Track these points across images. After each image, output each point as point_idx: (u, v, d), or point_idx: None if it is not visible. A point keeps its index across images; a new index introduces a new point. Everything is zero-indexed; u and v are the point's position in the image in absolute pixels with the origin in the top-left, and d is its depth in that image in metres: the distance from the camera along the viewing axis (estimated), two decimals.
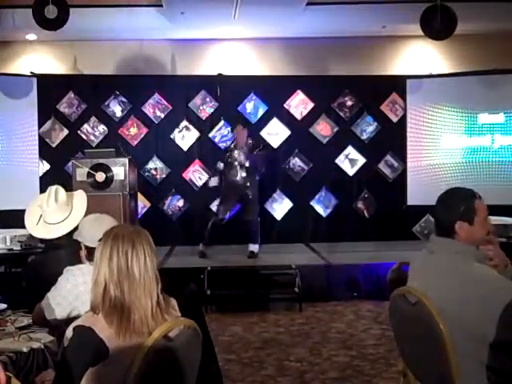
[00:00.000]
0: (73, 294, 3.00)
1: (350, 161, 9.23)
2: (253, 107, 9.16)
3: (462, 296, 2.30)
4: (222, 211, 7.84)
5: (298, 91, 9.19)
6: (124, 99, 9.08)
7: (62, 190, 3.71)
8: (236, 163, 7.70)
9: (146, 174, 9.04)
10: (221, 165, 7.81)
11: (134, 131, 9.08)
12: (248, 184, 7.71)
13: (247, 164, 7.66)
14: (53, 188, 3.70)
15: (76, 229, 3.34)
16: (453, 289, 2.34)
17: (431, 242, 2.53)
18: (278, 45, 9.38)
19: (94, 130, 9.03)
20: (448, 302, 2.32)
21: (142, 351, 2.11)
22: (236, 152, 7.74)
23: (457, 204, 2.45)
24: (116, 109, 9.07)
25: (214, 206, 9.06)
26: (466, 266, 2.38)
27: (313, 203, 9.18)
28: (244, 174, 7.69)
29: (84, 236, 3.14)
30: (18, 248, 6.47)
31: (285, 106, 9.19)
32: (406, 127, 9.02)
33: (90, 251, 3.03)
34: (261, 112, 9.17)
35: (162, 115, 9.12)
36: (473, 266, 2.39)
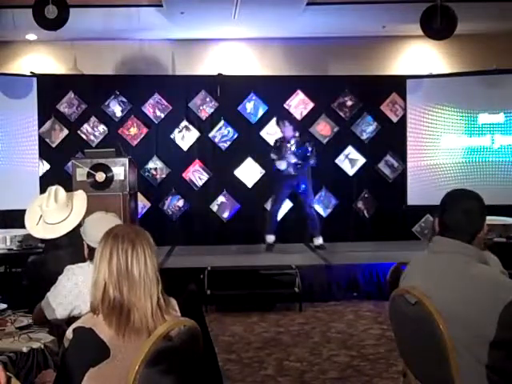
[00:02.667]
0: (74, 293, 3.00)
1: (350, 161, 9.23)
2: (253, 107, 9.16)
3: (464, 296, 2.30)
4: (274, 203, 8.10)
5: (298, 91, 9.19)
6: (124, 99, 9.07)
7: (61, 190, 3.71)
8: (287, 156, 7.84)
9: (146, 174, 9.04)
10: (274, 156, 7.97)
11: (133, 131, 9.08)
12: (299, 176, 7.89)
13: (294, 159, 7.83)
14: (53, 188, 3.70)
15: (80, 225, 3.33)
16: (456, 289, 2.34)
17: (434, 242, 2.53)
18: (278, 45, 9.38)
19: (94, 130, 9.03)
20: (451, 302, 2.32)
21: (143, 351, 2.11)
22: (285, 145, 7.88)
23: (482, 214, 2.47)
24: (116, 109, 9.07)
25: (214, 206, 9.08)
26: (469, 267, 2.38)
27: None
28: (295, 167, 7.85)
29: (87, 235, 3.14)
30: (18, 248, 6.46)
31: (285, 106, 9.19)
32: (406, 127, 9.03)
33: (92, 251, 3.03)
34: (261, 112, 9.16)
35: (162, 115, 9.12)
36: (476, 266, 2.39)
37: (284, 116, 8.38)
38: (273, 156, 8.02)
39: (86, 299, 2.47)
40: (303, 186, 7.96)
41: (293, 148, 7.86)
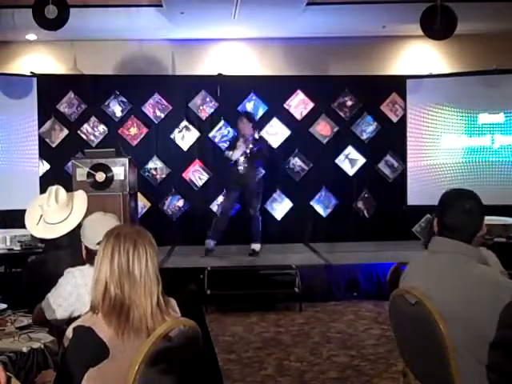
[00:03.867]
0: (73, 295, 2.99)
1: (350, 161, 9.23)
2: (253, 107, 9.15)
3: (464, 296, 2.31)
4: (224, 206, 7.97)
5: (298, 91, 9.18)
6: (124, 99, 9.07)
7: (62, 190, 3.71)
8: (237, 154, 7.75)
9: (146, 174, 9.04)
10: (229, 153, 7.86)
11: (133, 131, 9.08)
12: (250, 176, 7.78)
13: (248, 150, 7.72)
14: (53, 188, 3.70)
15: (80, 226, 3.33)
16: (456, 289, 2.35)
17: (434, 242, 2.53)
18: (278, 45, 9.37)
19: (94, 130, 9.03)
20: (450, 302, 2.32)
21: (142, 351, 2.11)
22: (240, 142, 7.78)
23: (481, 214, 2.48)
24: (116, 109, 9.07)
25: (214, 206, 9.07)
26: (469, 267, 2.39)
27: (313, 203, 9.18)
28: (246, 165, 7.76)
29: (85, 236, 3.14)
30: (18, 248, 6.46)
31: (285, 106, 9.19)
32: (406, 127, 9.02)
33: (90, 253, 3.02)
34: (261, 112, 9.16)
35: (162, 115, 9.12)
36: (476, 266, 2.39)
37: (243, 113, 8.31)
38: (227, 153, 7.87)
39: (86, 302, 2.47)
40: (252, 187, 7.79)
41: (245, 148, 7.73)
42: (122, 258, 2.24)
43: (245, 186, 7.80)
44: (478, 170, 8.76)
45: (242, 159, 7.74)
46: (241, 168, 7.78)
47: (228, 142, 8.12)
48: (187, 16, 8.09)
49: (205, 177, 9.08)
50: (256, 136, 7.86)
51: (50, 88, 8.85)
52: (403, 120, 9.11)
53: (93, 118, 9.00)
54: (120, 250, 2.24)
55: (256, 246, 7.89)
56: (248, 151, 7.72)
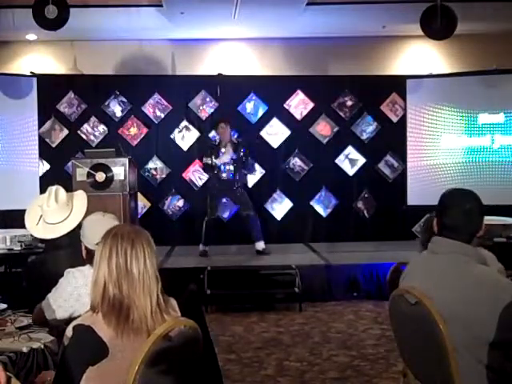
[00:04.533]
0: (74, 296, 2.99)
1: (350, 161, 9.23)
2: (253, 107, 9.16)
3: (464, 296, 2.31)
4: (212, 210, 7.97)
5: (298, 91, 9.19)
6: (124, 99, 9.08)
7: (62, 190, 3.71)
8: (223, 159, 7.78)
9: (146, 174, 9.04)
10: (208, 160, 7.87)
11: (133, 131, 9.08)
12: (238, 180, 7.86)
13: (234, 156, 7.77)
14: (53, 188, 3.69)
15: (79, 227, 3.33)
16: (456, 289, 2.34)
17: (433, 242, 2.52)
18: (278, 45, 9.38)
19: (94, 130, 9.03)
20: (450, 302, 2.32)
21: (142, 351, 2.11)
22: (222, 149, 7.83)
23: (481, 214, 2.47)
24: (116, 109, 9.07)
25: None
26: (468, 267, 2.39)
27: (313, 203, 9.18)
28: (231, 170, 7.79)
29: (84, 236, 3.14)
30: (18, 248, 6.46)
31: (285, 106, 9.19)
32: (406, 127, 9.03)
33: (89, 253, 3.02)
34: (261, 112, 9.17)
35: (162, 115, 9.12)
36: (475, 266, 2.39)
37: (223, 117, 8.34)
38: (207, 160, 7.91)
39: (86, 302, 2.47)
40: (239, 190, 7.87)
41: (228, 153, 7.77)
42: (120, 257, 2.24)
43: (232, 190, 7.86)
44: (478, 170, 8.76)
45: (226, 165, 7.77)
46: (227, 173, 7.81)
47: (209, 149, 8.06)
48: (187, 16, 8.10)
49: (205, 177, 9.07)
50: (234, 140, 7.92)
51: (49, 88, 8.85)
52: (403, 120, 9.12)
53: (93, 118, 9.00)
54: (118, 249, 2.24)
55: (263, 244, 7.91)
56: (235, 156, 7.77)
